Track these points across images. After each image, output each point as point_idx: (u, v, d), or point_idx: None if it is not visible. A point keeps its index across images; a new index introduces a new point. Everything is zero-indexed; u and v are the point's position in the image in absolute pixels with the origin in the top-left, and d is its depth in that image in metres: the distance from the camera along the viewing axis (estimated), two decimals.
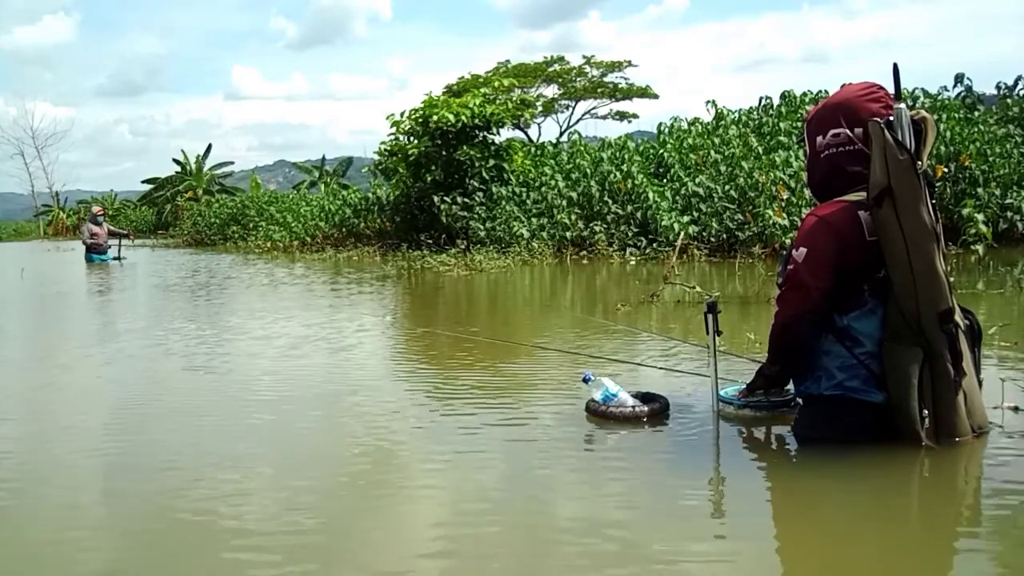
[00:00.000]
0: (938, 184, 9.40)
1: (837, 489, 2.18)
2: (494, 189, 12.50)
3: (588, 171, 11.86)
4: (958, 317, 2.30)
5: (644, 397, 2.89)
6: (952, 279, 2.36)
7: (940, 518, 2.04)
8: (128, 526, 2.07)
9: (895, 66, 2.33)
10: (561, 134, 32.80)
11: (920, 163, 2.23)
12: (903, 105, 2.27)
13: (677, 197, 10.78)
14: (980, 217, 7.76)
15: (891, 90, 2.36)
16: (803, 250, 2.34)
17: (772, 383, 2.65)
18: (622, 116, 35.87)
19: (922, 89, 11.45)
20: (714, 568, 1.73)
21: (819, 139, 2.44)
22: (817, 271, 2.31)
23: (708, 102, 12.65)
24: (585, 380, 2.89)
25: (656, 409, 2.78)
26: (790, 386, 2.67)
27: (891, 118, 2.26)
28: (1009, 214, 9.58)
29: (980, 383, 2.43)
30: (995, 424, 2.52)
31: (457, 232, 12.38)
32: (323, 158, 38.54)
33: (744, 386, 2.76)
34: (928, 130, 2.28)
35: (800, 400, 2.57)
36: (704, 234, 10.05)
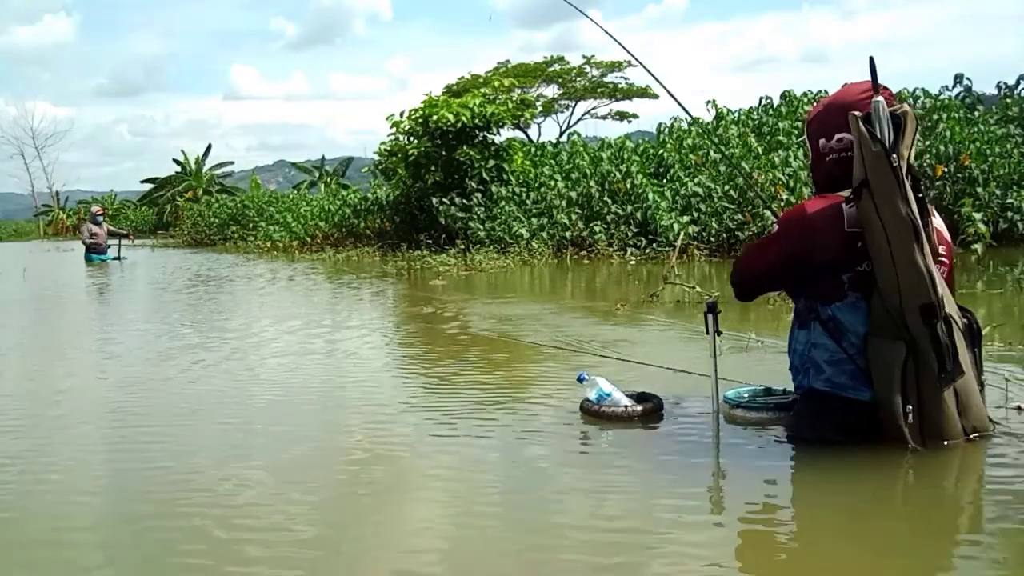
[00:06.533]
0: (938, 183, 9.37)
1: (835, 489, 2.16)
2: (494, 189, 12.48)
3: (588, 171, 11.82)
4: (955, 314, 2.28)
5: (638, 397, 2.88)
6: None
7: (939, 518, 2.02)
8: (125, 526, 2.06)
9: (871, 60, 2.33)
10: (561, 134, 32.77)
11: (898, 155, 2.22)
12: (880, 98, 2.28)
13: (677, 197, 10.77)
14: (978, 216, 7.73)
15: (892, 89, 2.38)
16: (776, 228, 2.48)
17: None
18: (622, 116, 35.87)
19: (922, 89, 11.41)
20: (712, 567, 1.71)
21: (822, 142, 2.45)
22: (768, 252, 2.50)
23: (708, 102, 12.62)
24: (580, 379, 2.88)
25: (649, 409, 2.77)
26: (791, 388, 2.65)
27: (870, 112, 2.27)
28: (1009, 214, 9.56)
29: (982, 384, 2.39)
30: (1000, 422, 2.49)
31: (457, 232, 12.36)
32: (323, 158, 38.45)
33: (747, 387, 2.75)
34: (907, 123, 2.28)
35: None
36: (704, 234, 10.03)
